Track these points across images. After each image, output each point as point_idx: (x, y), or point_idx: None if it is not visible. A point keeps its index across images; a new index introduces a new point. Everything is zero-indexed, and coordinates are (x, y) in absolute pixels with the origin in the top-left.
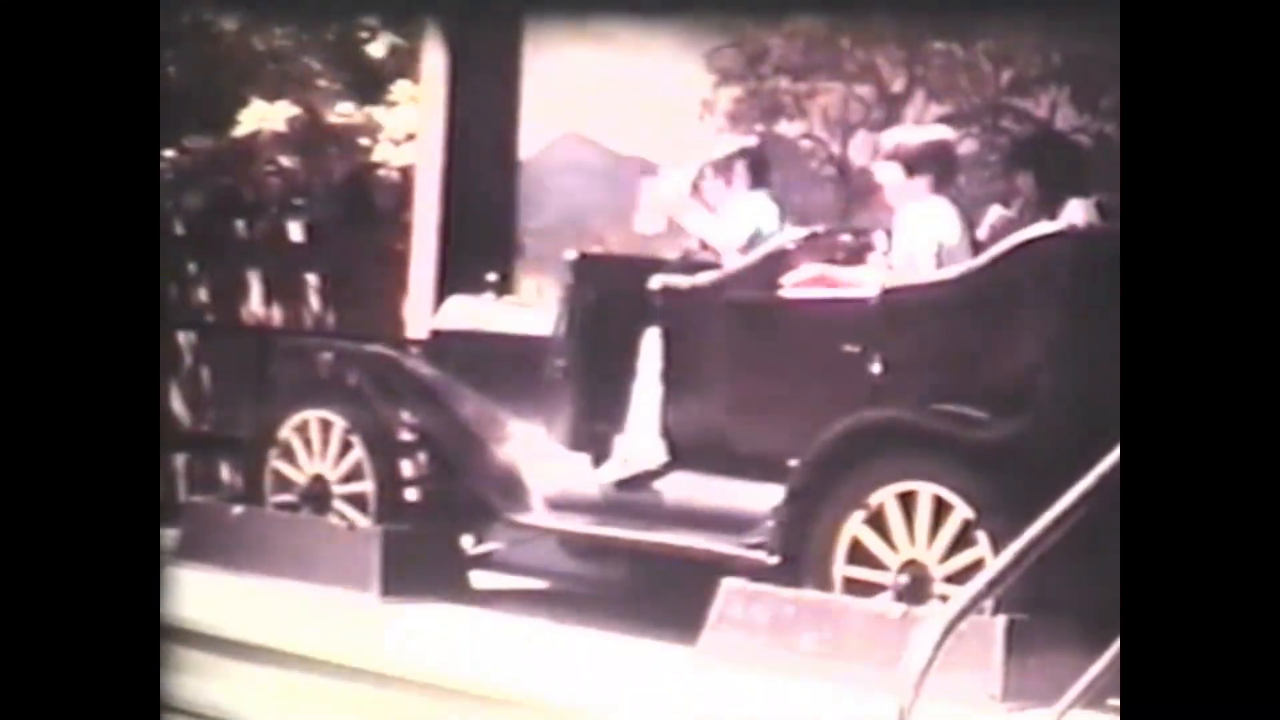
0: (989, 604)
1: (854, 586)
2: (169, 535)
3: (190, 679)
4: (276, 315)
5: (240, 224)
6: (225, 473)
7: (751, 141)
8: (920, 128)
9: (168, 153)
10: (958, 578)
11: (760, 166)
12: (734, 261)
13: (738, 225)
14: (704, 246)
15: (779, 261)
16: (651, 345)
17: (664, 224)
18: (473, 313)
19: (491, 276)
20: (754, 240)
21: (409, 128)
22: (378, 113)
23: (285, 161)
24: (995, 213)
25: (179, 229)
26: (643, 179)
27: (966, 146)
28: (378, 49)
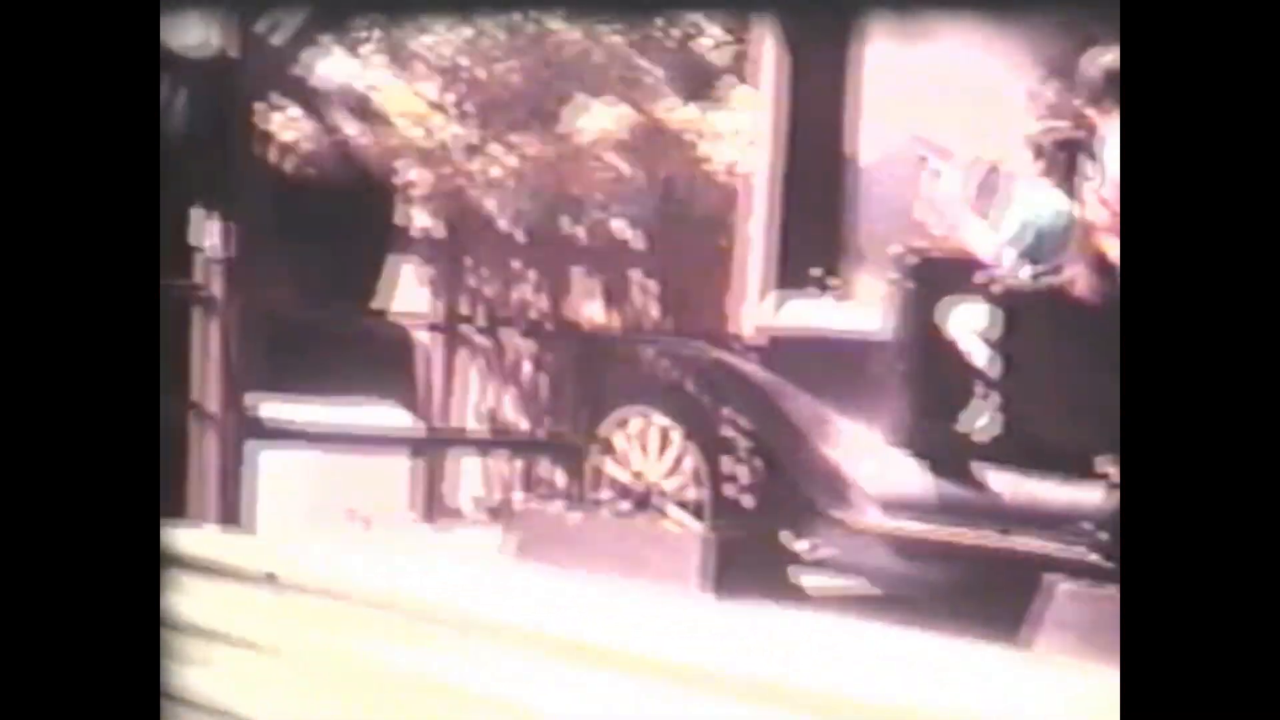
0: None
1: None
2: (508, 538)
3: (506, 680)
4: (605, 316)
5: (569, 223)
6: (558, 475)
7: (1079, 133)
8: None
9: (496, 150)
10: None
11: (1072, 158)
12: (1010, 260)
13: (1012, 225)
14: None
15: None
16: (981, 343)
17: (941, 223)
18: (802, 312)
19: (816, 272)
20: (1030, 235)
21: (738, 126)
22: (706, 111)
23: (614, 160)
24: None
25: (519, 235)
26: (923, 173)
27: None
28: (708, 48)
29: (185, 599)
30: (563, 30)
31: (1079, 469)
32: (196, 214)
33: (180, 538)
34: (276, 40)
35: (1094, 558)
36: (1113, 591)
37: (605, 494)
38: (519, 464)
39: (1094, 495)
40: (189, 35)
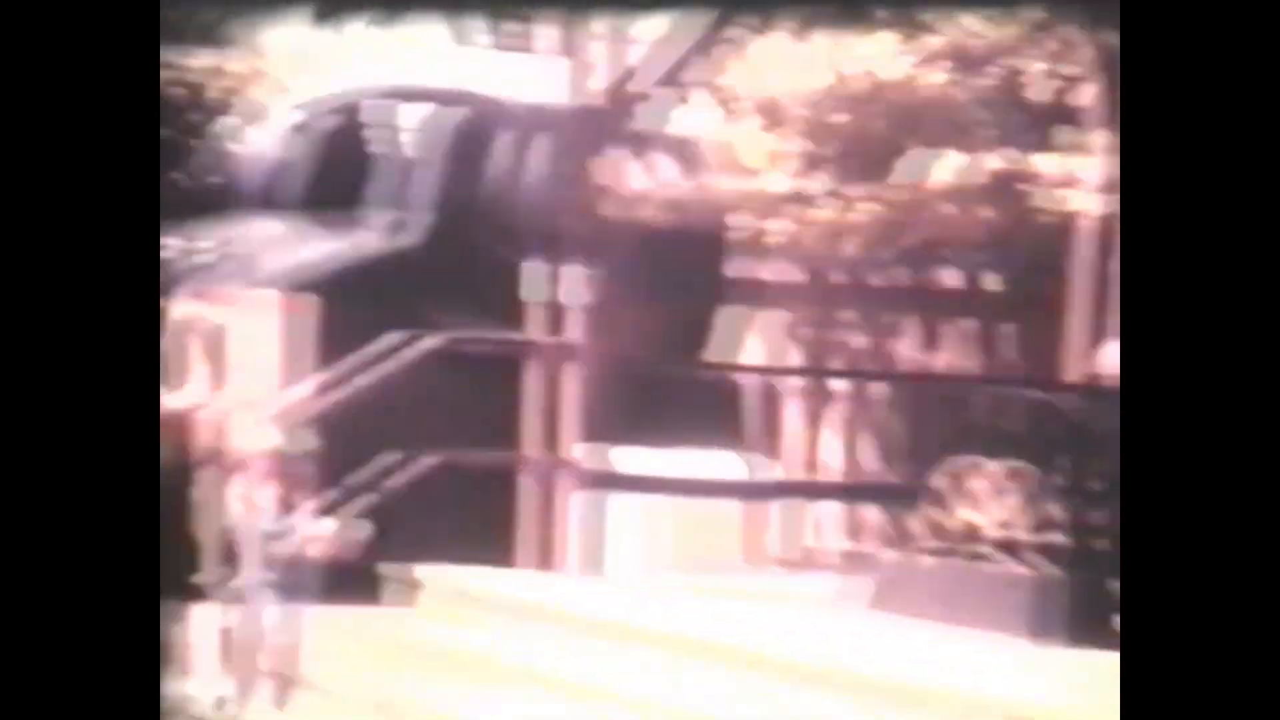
0: None
1: None
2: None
3: None
4: (942, 362)
5: (910, 271)
6: (899, 522)
7: None
8: None
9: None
10: None
11: None
12: None
13: None
14: None
15: None
16: None
17: None
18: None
19: None
20: None
21: (1076, 171)
22: (1036, 158)
23: (956, 209)
24: None
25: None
26: None
27: None
28: (1039, 92)
29: (500, 639)
30: (898, 80)
31: None
32: (530, 267)
33: (509, 582)
34: (631, 88)
35: None
36: None
37: (944, 541)
38: (858, 511)
39: None
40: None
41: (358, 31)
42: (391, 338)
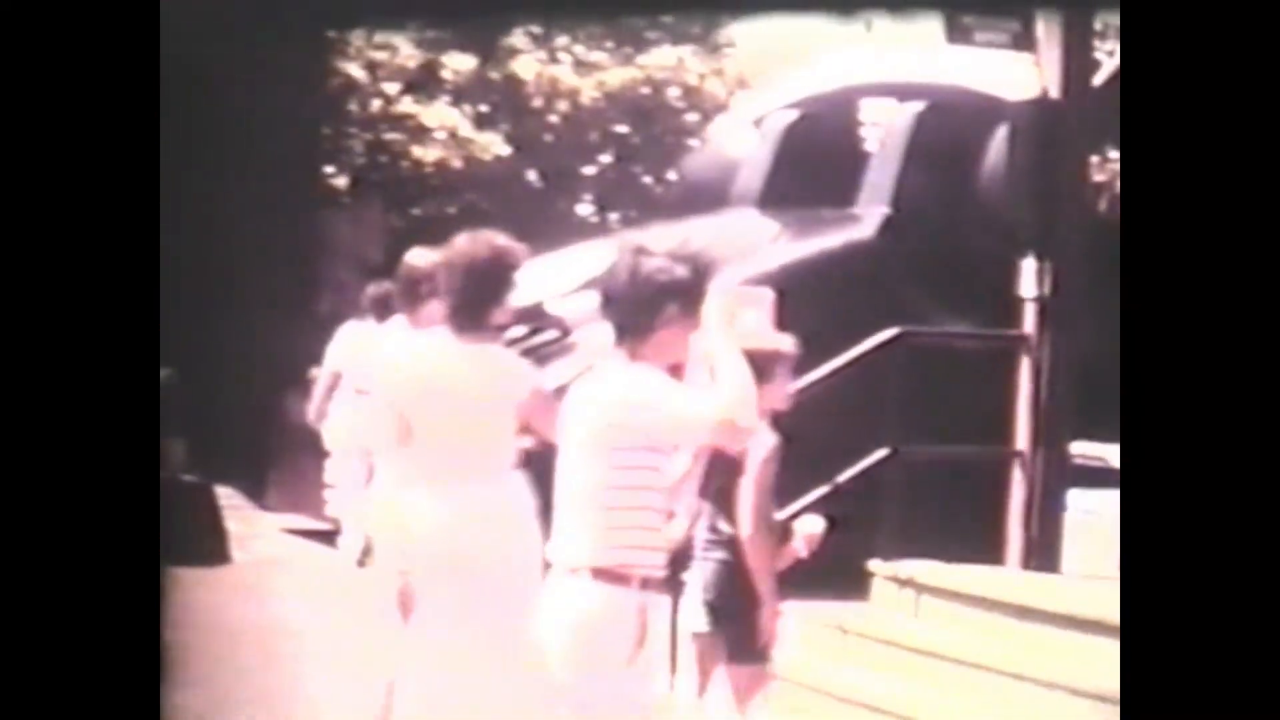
0: None
1: None
2: None
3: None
4: None
5: None
6: None
7: None
8: None
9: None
10: None
11: None
12: None
13: None
14: None
15: None
16: None
17: None
18: None
19: None
20: None
21: None
22: None
23: None
24: None
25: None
26: None
27: None
28: None
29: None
30: None
31: None
32: (1028, 264)
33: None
34: (1097, 82)
35: None
36: None
37: None
38: None
39: None
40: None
41: (820, 28)
42: (881, 333)
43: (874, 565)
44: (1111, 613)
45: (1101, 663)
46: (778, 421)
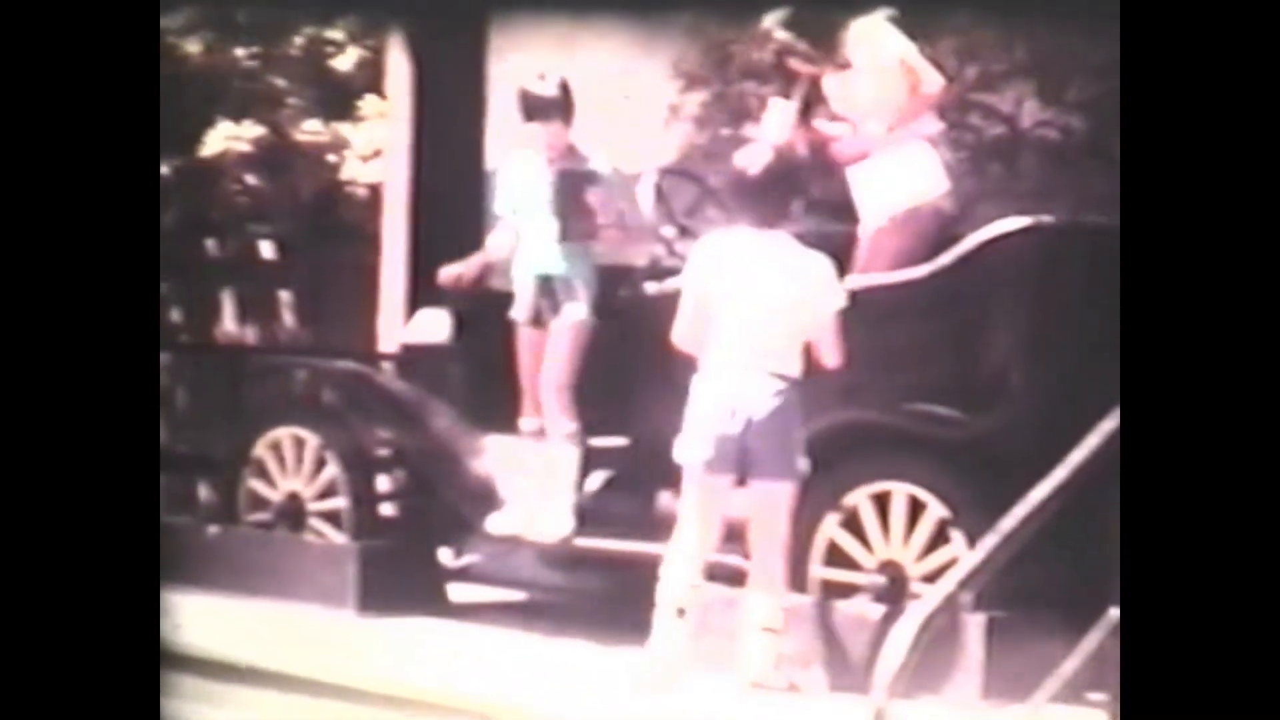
0: (969, 601)
1: (832, 589)
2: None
3: (174, 700)
4: (249, 333)
5: (211, 243)
6: (202, 493)
7: None
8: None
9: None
10: (934, 577)
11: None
12: None
13: None
14: (671, 253)
15: None
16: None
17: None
18: (441, 325)
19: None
20: None
21: (376, 142)
22: (345, 128)
23: (252, 180)
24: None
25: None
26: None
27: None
28: (344, 63)
29: None
30: (200, 52)
31: None
32: None
33: None
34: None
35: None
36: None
37: (260, 515)
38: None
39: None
40: None
41: None
42: None
43: None
44: None
45: None
46: None
